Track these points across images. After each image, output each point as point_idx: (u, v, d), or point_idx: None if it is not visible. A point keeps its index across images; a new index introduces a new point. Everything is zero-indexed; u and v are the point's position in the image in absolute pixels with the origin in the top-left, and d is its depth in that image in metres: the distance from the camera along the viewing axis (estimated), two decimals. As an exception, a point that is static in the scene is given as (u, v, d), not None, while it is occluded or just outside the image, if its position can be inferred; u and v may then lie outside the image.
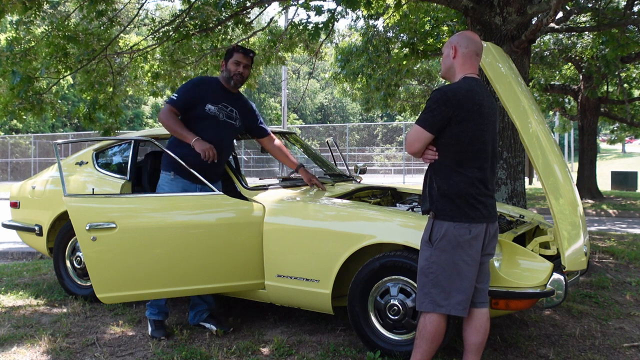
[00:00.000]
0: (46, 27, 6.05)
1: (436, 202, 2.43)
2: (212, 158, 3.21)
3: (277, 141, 3.81)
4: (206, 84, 3.42)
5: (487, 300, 2.59)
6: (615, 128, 16.37)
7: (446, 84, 2.58)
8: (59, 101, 6.69)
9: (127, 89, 7.57)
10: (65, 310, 3.98)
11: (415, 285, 2.88)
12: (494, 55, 3.05)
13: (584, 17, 9.31)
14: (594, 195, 12.96)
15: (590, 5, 7.62)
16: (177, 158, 3.23)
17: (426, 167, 2.56)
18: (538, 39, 8.35)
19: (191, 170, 3.22)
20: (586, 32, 9.75)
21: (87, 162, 4.43)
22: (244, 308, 3.97)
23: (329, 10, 6.14)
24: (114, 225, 3.02)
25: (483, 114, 2.43)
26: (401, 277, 2.94)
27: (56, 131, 31.13)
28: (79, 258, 4.24)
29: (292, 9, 7.71)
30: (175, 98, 3.33)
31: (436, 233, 2.42)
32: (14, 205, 4.86)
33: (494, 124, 2.53)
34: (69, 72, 6.15)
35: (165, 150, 3.32)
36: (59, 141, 3.33)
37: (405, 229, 3.02)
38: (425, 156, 2.47)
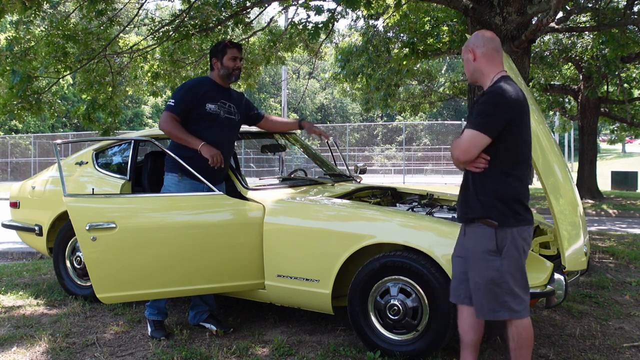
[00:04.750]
0: (46, 27, 6.05)
1: (493, 208, 2.35)
2: (219, 163, 3.21)
3: (271, 116, 3.89)
4: (201, 84, 3.40)
5: None
6: (615, 128, 16.35)
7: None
8: (58, 101, 6.68)
9: (127, 88, 7.56)
10: (65, 310, 3.98)
11: (415, 285, 2.90)
12: (494, 55, 3.04)
13: (584, 17, 9.31)
14: (594, 195, 12.95)
15: (590, 5, 7.62)
16: (180, 160, 3.22)
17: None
18: (538, 39, 8.35)
19: (193, 172, 3.21)
20: (586, 32, 9.75)
21: (87, 162, 4.43)
22: (244, 308, 3.96)
23: (328, 10, 6.14)
24: (114, 225, 3.02)
25: (528, 116, 2.43)
26: (401, 277, 2.94)
27: (56, 131, 31.11)
28: (79, 258, 4.24)
29: (292, 9, 7.70)
30: (173, 104, 3.29)
31: (502, 241, 2.35)
32: (14, 205, 4.86)
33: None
34: (68, 72, 6.15)
35: (167, 150, 3.32)
36: (59, 141, 3.33)
37: (405, 229, 3.02)
38: (478, 164, 2.36)
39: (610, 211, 11.31)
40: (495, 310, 2.40)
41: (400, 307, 2.92)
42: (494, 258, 2.37)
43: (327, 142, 4.05)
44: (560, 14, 6.73)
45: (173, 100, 3.31)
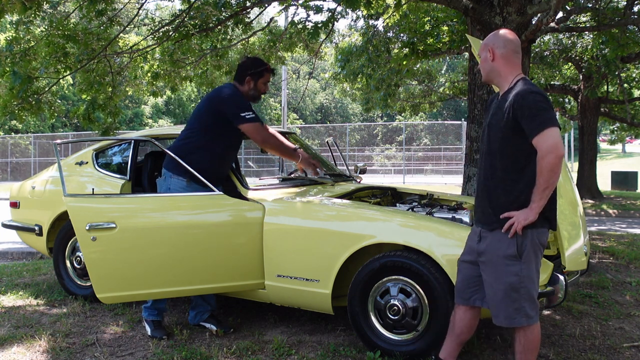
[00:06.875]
0: (46, 27, 6.05)
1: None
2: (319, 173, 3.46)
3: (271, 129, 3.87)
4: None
5: None
6: (615, 128, 16.37)
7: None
8: (58, 101, 6.69)
9: (127, 88, 7.57)
10: (65, 310, 3.98)
11: (415, 285, 2.90)
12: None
13: (584, 17, 9.31)
14: (594, 195, 12.96)
15: (590, 5, 7.63)
16: (183, 163, 3.21)
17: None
18: (538, 39, 8.35)
19: (194, 172, 3.21)
20: (586, 32, 9.76)
21: (87, 162, 4.43)
22: (244, 308, 3.97)
23: (328, 10, 6.15)
24: (114, 225, 3.02)
25: None
26: (401, 277, 2.94)
27: (56, 131, 31.10)
28: (79, 258, 4.24)
29: (292, 8, 7.72)
30: (254, 115, 3.31)
31: (522, 245, 2.31)
32: (14, 205, 4.86)
33: None
34: (68, 72, 6.15)
35: (167, 151, 3.31)
36: (59, 141, 3.33)
37: (405, 229, 3.01)
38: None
39: (610, 211, 11.31)
40: (512, 317, 2.37)
41: (400, 307, 2.92)
42: (514, 263, 2.33)
43: (328, 141, 4.06)
44: (560, 14, 6.74)
45: (249, 112, 3.30)
